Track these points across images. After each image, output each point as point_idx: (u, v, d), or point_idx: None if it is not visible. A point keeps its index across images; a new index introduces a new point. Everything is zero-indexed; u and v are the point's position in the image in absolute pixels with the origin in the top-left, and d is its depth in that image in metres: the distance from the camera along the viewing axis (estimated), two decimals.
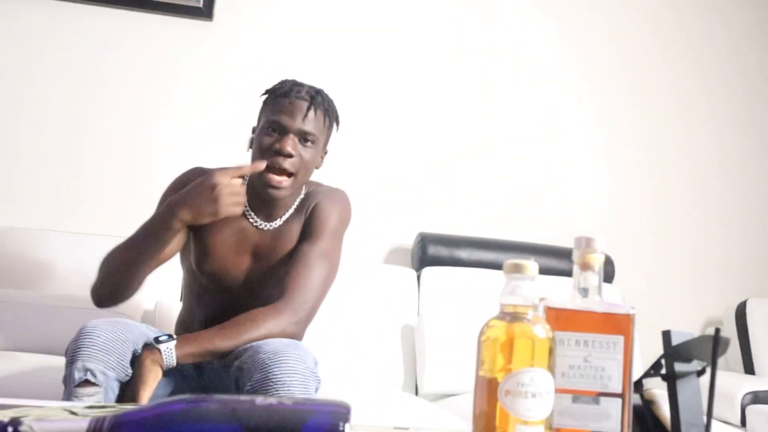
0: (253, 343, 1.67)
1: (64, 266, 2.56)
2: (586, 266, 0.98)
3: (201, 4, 3.02)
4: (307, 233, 1.83)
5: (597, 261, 0.97)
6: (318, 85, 1.89)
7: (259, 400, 0.75)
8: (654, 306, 3.03)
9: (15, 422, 0.72)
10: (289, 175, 1.76)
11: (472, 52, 3.23)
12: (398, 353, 2.61)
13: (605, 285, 2.94)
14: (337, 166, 3.05)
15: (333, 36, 3.14)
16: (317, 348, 1.80)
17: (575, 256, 0.98)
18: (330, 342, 2.43)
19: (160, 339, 1.63)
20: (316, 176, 1.96)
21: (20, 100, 2.91)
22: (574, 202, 3.22)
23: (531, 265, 0.92)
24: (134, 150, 2.96)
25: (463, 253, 2.92)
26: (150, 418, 0.72)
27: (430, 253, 2.91)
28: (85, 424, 0.73)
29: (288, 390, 1.55)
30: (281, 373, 1.55)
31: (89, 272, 2.50)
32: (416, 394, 2.57)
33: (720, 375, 2.70)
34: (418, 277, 2.85)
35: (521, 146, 3.22)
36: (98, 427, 0.72)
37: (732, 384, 2.44)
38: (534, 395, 0.88)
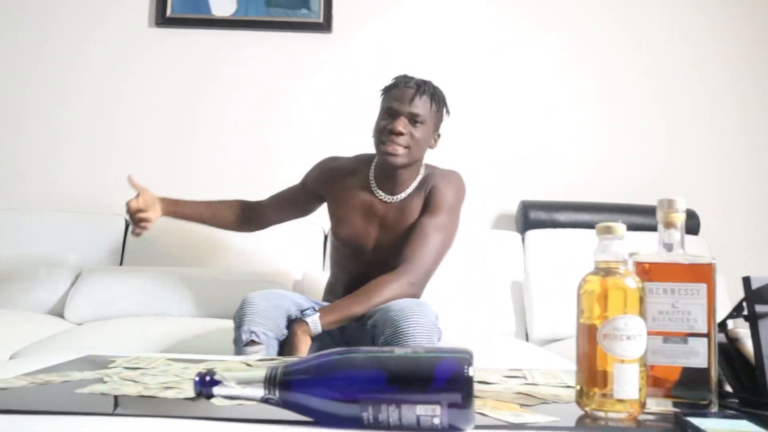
0: (385, 305, 1.73)
1: (220, 245, 2.71)
2: (669, 224, 0.97)
3: (321, 19, 3.06)
4: (427, 209, 1.88)
5: (679, 219, 0.97)
6: (435, 81, 1.94)
7: (398, 350, 0.80)
8: (739, 253, 2.89)
9: (211, 372, 0.80)
10: (403, 147, 1.83)
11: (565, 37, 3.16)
12: (509, 306, 2.62)
13: (691, 237, 2.86)
14: (454, 150, 3.05)
15: (446, 36, 3.11)
16: (439, 304, 1.83)
17: (659, 216, 0.98)
18: (450, 298, 2.46)
19: (306, 313, 1.72)
20: (436, 158, 2.02)
21: (167, 113, 3.07)
22: (658, 164, 3.10)
23: (620, 226, 0.93)
24: (268, 148, 3.05)
25: (561, 216, 2.89)
26: (312, 366, 0.79)
27: (532, 217, 2.90)
28: (263, 372, 0.79)
29: (415, 341, 1.60)
30: (408, 327, 1.61)
31: (242, 248, 2.63)
32: (527, 340, 2.58)
33: None
34: (523, 239, 2.85)
35: (604, 121, 3.13)
36: (274, 374, 0.79)
37: None
38: (629, 338, 0.89)
